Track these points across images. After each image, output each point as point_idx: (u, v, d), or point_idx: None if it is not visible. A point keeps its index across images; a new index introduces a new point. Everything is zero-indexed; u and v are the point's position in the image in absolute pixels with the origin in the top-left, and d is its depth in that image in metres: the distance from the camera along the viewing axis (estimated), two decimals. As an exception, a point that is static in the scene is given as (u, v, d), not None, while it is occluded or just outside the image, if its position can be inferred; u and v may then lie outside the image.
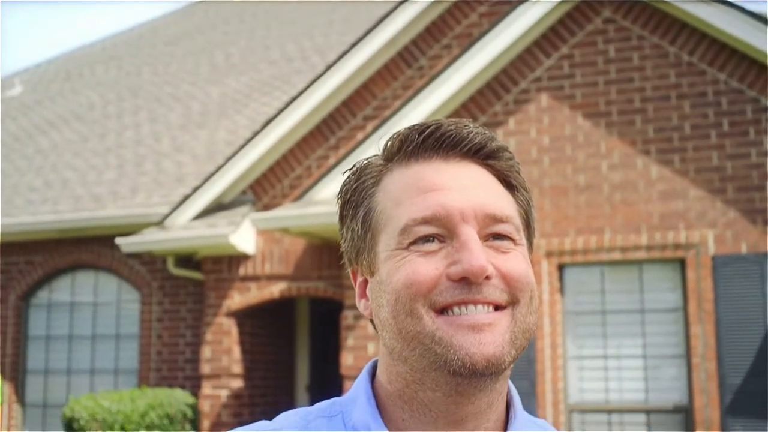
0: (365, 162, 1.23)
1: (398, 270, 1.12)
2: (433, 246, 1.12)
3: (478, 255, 1.09)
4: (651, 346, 8.27)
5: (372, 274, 1.18)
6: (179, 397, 9.76)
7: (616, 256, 8.29)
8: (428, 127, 1.17)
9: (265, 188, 10.25)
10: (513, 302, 1.12)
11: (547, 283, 8.42)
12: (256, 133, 10.07)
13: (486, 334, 1.10)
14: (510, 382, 1.22)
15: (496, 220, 1.13)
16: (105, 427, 9.09)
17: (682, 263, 8.17)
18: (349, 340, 8.87)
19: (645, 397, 8.24)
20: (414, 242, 1.13)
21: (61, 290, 11.67)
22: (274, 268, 9.94)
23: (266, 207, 10.08)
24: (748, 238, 7.93)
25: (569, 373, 8.45)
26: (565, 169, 8.56)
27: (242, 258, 10.06)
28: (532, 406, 8.14)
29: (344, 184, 1.25)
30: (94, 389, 10.99)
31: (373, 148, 8.78)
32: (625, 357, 8.34)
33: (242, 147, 10.10)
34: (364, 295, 1.22)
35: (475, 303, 1.09)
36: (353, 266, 1.24)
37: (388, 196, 1.17)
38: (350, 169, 1.25)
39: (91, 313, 11.44)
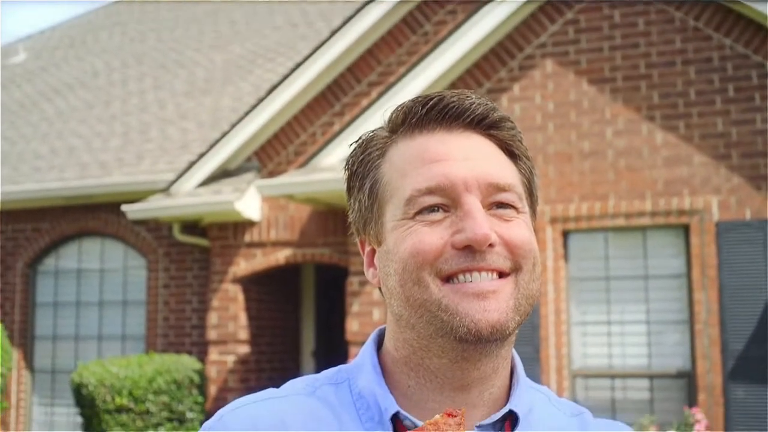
0: (370, 134, 1.25)
1: (404, 240, 1.15)
2: (438, 215, 1.15)
3: (481, 223, 1.11)
4: (654, 312, 8.31)
5: (379, 243, 1.21)
6: (186, 363, 9.84)
7: (620, 222, 8.31)
8: (431, 99, 1.19)
9: (270, 155, 10.26)
10: (516, 269, 1.15)
11: (552, 250, 8.44)
12: (260, 100, 10.06)
13: (490, 302, 1.12)
14: (513, 349, 1.25)
15: (499, 188, 1.16)
16: (113, 392, 9.19)
17: (686, 229, 8.18)
18: (355, 306, 8.92)
19: (648, 363, 8.30)
20: (419, 212, 1.15)
21: (68, 257, 11.73)
22: (279, 234, 9.98)
23: (271, 174, 10.09)
24: (752, 204, 7.93)
25: (573, 338, 8.50)
26: (570, 135, 8.56)
27: (248, 224, 10.10)
28: (536, 371, 8.20)
29: (350, 156, 1.27)
30: (101, 355, 11.08)
31: (378, 114, 8.76)
32: (629, 323, 8.39)
33: (247, 114, 10.10)
34: (372, 264, 1.24)
35: (479, 270, 1.12)
36: (361, 236, 1.27)
37: (394, 167, 1.20)
38: (356, 141, 1.27)
39: (97, 279, 11.51)
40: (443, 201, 1.15)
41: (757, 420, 7.65)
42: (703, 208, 8.03)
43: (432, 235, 1.13)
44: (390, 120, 1.23)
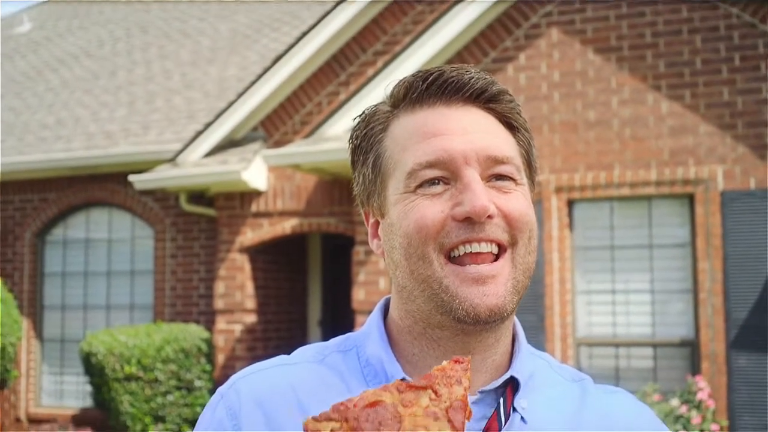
0: (373, 109, 1.28)
1: (407, 214, 1.19)
2: (438, 188, 1.18)
3: (479, 195, 1.15)
4: (658, 281, 8.35)
5: (383, 215, 1.25)
6: (194, 332, 9.92)
7: (626, 191, 8.32)
8: (432, 74, 1.22)
9: (276, 125, 10.27)
10: (513, 243, 1.19)
11: (557, 219, 8.47)
12: (266, 69, 10.06)
13: (489, 287, 1.17)
14: (515, 316, 1.29)
15: (497, 161, 1.19)
16: (122, 361, 9.27)
17: (690, 199, 8.20)
18: (361, 276, 8.97)
19: (652, 332, 8.35)
20: (420, 185, 1.19)
21: (76, 227, 11.79)
22: (285, 204, 10.01)
23: (277, 143, 10.11)
24: (757, 173, 7.94)
25: (577, 307, 8.55)
26: (576, 105, 8.55)
27: (254, 194, 10.14)
28: (540, 340, 8.26)
29: (354, 130, 1.30)
30: (110, 324, 11.17)
31: (384, 83, 8.78)
32: (633, 292, 8.43)
33: (253, 83, 10.10)
34: (376, 235, 1.29)
35: (479, 241, 1.16)
36: (365, 208, 1.31)
37: (395, 141, 1.23)
38: (359, 116, 1.30)
39: (105, 249, 11.58)
40: (443, 174, 1.18)
41: (759, 388, 7.72)
42: (708, 178, 8.04)
43: (433, 209, 1.17)
44: (392, 95, 1.26)
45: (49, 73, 14.80)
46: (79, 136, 11.91)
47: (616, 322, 8.46)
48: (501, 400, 1.22)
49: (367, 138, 1.28)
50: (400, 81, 1.26)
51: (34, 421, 11.38)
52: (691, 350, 8.12)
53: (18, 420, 11.55)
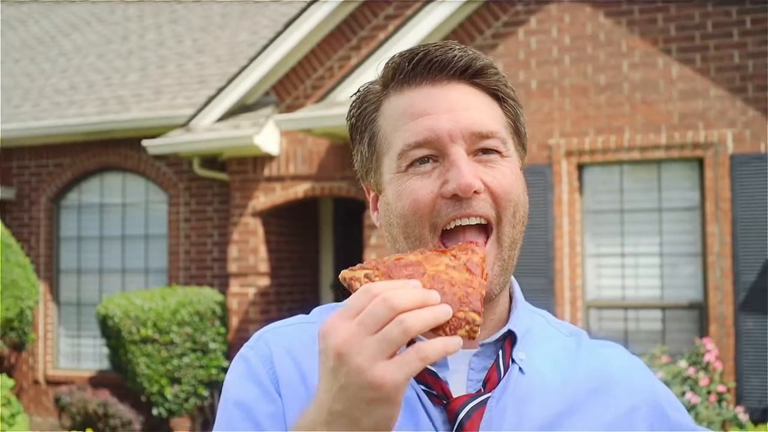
0: (366, 89, 1.36)
1: (401, 195, 1.27)
2: (428, 167, 1.26)
3: (465, 173, 1.22)
4: (667, 245, 8.41)
5: (380, 192, 1.34)
6: (208, 295, 10.06)
7: (635, 155, 8.37)
8: (417, 55, 1.29)
9: (287, 89, 10.32)
10: (498, 219, 1.27)
11: (566, 183, 8.53)
12: (278, 34, 10.09)
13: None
14: (512, 276, 1.38)
15: (482, 136, 1.26)
16: (138, 323, 9.42)
17: (700, 162, 8.24)
18: (372, 239, 9.07)
19: (661, 294, 8.43)
20: (411, 165, 1.27)
21: (91, 192, 11.91)
22: (297, 168, 10.09)
23: (289, 108, 10.17)
24: (767, 137, 7.96)
25: (587, 270, 8.63)
26: (586, 69, 8.57)
27: (266, 159, 10.21)
28: (550, 303, 8.35)
29: (350, 110, 1.38)
30: (125, 288, 11.32)
31: (395, 47, 8.81)
32: (642, 255, 8.50)
33: (264, 48, 10.14)
34: (376, 208, 1.38)
35: (468, 216, 1.24)
36: (365, 183, 1.39)
37: (387, 121, 1.31)
38: (354, 94, 1.38)
39: (120, 214, 11.70)
40: (431, 153, 1.26)
41: (766, 350, 7.80)
42: (718, 141, 8.07)
43: (424, 190, 1.25)
44: (382, 75, 1.34)
45: (61, 39, 14.86)
46: (93, 101, 12.00)
47: (626, 285, 8.54)
48: (500, 352, 1.31)
49: (362, 118, 1.35)
50: (389, 61, 1.32)
51: (52, 383, 11.58)
52: (700, 313, 8.21)
53: (36, 382, 11.75)
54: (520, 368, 1.32)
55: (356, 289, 1.06)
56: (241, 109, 10.35)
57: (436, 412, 1.27)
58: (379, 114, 1.33)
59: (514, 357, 1.32)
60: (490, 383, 1.29)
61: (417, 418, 1.26)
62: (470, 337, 1.07)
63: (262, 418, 1.27)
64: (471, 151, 1.26)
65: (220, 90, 10.28)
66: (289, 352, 1.32)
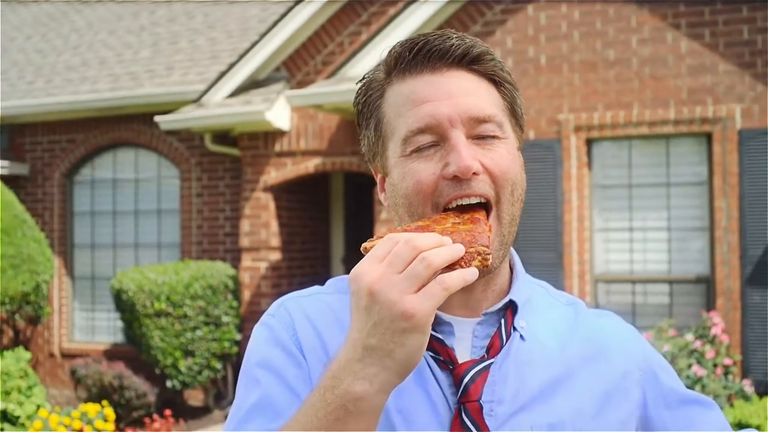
0: (370, 77, 1.44)
1: (405, 177, 1.36)
2: (430, 151, 1.35)
3: (464, 156, 1.31)
4: (675, 219, 8.48)
5: (386, 174, 1.43)
6: (221, 269, 10.17)
7: (644, 130, 8.41)
8: (417, 44, 1.37)
9: (298, 65, 10.38)
10: (497, 199, 1.36)
11: (575, 158, 8.59)
12: (289, 9, 10.13)
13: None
14: (512, 249, 1.47)
15: (480, 121, 1.35)
16: (152, 297, 9.55)
17: (708, 138, 8.28)
18: (383, 214, 9.15)
19: (668, 268, 8.51)
20: (415, 150, 1.36)
21: (103, 167, 12.02)
22: (308, 143, 10.17)
23: (300, 84, 10.24)
24: (775, 112, 8.00)
25: (595, 244, 8.71)
26: (595, 44, 8.61)
27: (277, 134, 10.29)
28: (559, 276, 8.44)
29: (356, 97, 1.47)
30: (138, 262, 11.45)
31: (405, 24, 8.86)
32: (650, 229, 8.57)
33: (275, 24, 10.19)
34: (383, 189, 1.46)
35: (468, 196, 1.33)
36: (372, 165, 1.49)
37: (391, 108, 1.40)
38: (360, 81, 1.46)
39: (132, 189, 11.81)
40: (433, 138, 1.35)
41: (773, 322, 7.88)
42: (726, 116, 8.11)
43: (427, 171, 1.34)
44: (385, 63, 1.42)
45: (73, 14, 14.92)
46: (105, 77, 12.08)
47: (634, 259, 8.62)
48: (502, 321, 1.41)
49: (367, 104, 1.44)
50: (391, 51, 1.41)
51: (67, 356, 11.75)
52: (707, 287, 8.28)
53: (51, 355, 11.93)
54: (521, 335, 1.42)
55: None
56: (252, 84, 10.42)
57: (443, 377, 1.36)
58: (384, 101, 1.41)
59: (515, 325, 1.42)
60: (492, 349, 1.39)
61: (426, 381, 1.35)
62: (483, 266, 1.19)
63: (292, 380, 1.35)
64: (470, 135, 1.35)
65: (232, 66, 10.34)
66: (309, 319, 1.41)
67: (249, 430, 1.32)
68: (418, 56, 1.37)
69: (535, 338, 1.43)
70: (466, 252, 1.18)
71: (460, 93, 1.36)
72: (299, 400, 1.29)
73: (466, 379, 1.35)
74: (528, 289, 1.48)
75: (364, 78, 1.46)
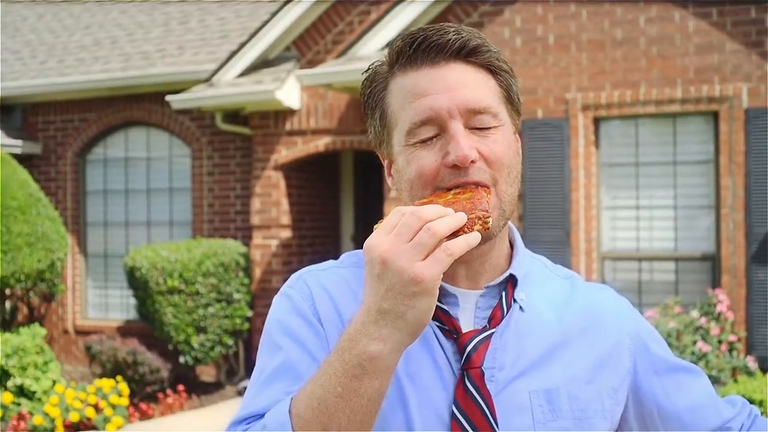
0: (374, 70, 1.55)
1: (409, 164, 1.47)
2: (432, 140, 1.46)
3: (463, 146, 1.42)
4: (682, 197, 8.56)
5: (392, 160, 1.54)
6: (232, 247, 10.30)
7: (651, 109, 8.48)
8: (416, 39, 1.47)
9: (308, 44, 10.46)
10: (495, 181, 1.46)
11: (583, 137, 8.66)
12: (298, -10, 10.19)
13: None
14: (511, 224, 1.58)
15: (477, 112, 1.45)
16: (165, 274, 9.68)
17: (715, 116, 8.34)
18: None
19: (674, 246, 8.60)
20: (418, 141, 1.46)
21: (116, 146, 12.14)
22: (318, 122, 10.26)
23: (310, 63, 10.31)
24: (782, 91, 8.05)
25: (602, 222, 8.80)
26: (603, 23, 8.66)
27: (288, 113, 10.39)
28: (566, 254, 8.54)
29: (361, 88, 1.58)
30: (150, 240, 11.58)
31: (414, 3, 8.92)
32: (657, 207, 8.66)
33: (285, 3, 10.25)
34: (390, 174, 1.57)
35: (466, 183, 1.43)
36: (379, 152, 1.59)
37: (394, 99, 1.51)
38: (365, 72, 1.57)
39: (144, 168, 11.93)
40: (434, 129, 1.45)
41: (777, 299, 7.97)
42: (733, 95, 8.17)
43: (429, 159, 1.45)
44: (387, 57, 1.53)
45: (84, -6, 15.00)
46: (116, 56, 12.18)
47: (640, 236, 8.71)
48: (503, 294, 1.52)
49: (372, 96, 1.55)
50: (392, 45, 1.51)
51: (81, 332, 11.91)
52: (712, 264, 8.37)
53: (65, 332, 12.10)
54: (520, 307, 1.53)
55: None
56: (262, 64, 10.50)
57: (448, 345, 1.48)
58: (387, 93, 1.52)
59: (515, 297, 1.53)
60: (494, 320, 1.50)
61: (432, 349, 1.47)
62: (485, 229, 1.32)
63: (311, 346, 1.47)
64: (467, 125, 1.45)
65: (242, 45, 10.42)
66: (325, 290, 1.53)
67: (273, 390, 1.44)
68: (418, 51, 1.47)
69: (533, 309, 1.54)
70: (468, 218, 1.30)
71: (458, 85, 1.46)
72: (318, 364, 1.40)
73: (469, 348, 1.46)
74: (527, 264, 1.59)
75: (368, 70, 1.57)
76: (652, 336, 1.64)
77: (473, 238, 1.28)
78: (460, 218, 1.28)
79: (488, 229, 1.32)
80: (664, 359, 1.62)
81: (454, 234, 1.27)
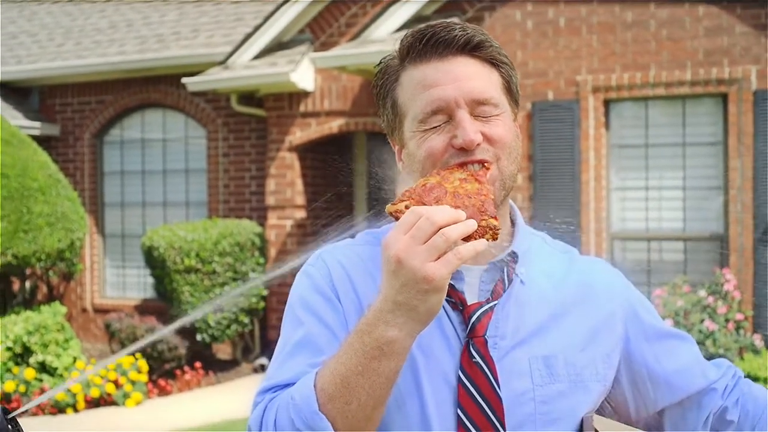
0: (386, 64, 1.70)
1: (420, 146, 1.62)
2: (441, 126, 1.61)
3: (469, 131, 1.57)
4: (691, 179, 8.65)
5: (403, 145, 1.69)
6: (247, 227, 10.46)
7: (661, 91, 8.57)
8: (426, 35, 1.62)
9: (322, 27, 10.56)
10: (497, 159, 1.61)
11: (593, 118, 8.76)
12: (312, -27, 10.28)
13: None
14: (512, 202, 1.75)
15: (480, 102, 1.61)
16: (182, 254, 9.85)
17: (724, 98, 8.42)
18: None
19: (683, 226, 8.71)
20: (428, 128, 1.62)
21: (132, 128, 12.30)
22: (332, 104, 10.39)
23: (324, 45, 10.43)
24: (790, 73, 8.12)
25: (612, 203, 8.91)
26: (613, 6, 8.73)
27: (302, 95, 10.51)
28: (576, 234, 8.62)
29: (374, 80, 1.73)
30: (167, 220, 11.75)
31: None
32: (666, 188, 8.76)
33: (299, -13, 10.36)
34: (400, 159, 1.73)
35: (472, 162, 1.59)
36: (391, 138, 1.74)
37: (405, 91, 1.66)
38: (377, 65, 1.72)
39: (161, 149, 12.09)
40: (443, 117, 1.61)
41: (784, 279, 8.08)
42: (742, 77, 8.25)
43: (438, 141, 1.60)
44: (399, 50, 1.68)
45: (99, -23, 15.12)
46: (132, 39, 12.32)
47: (649, 217, 8.82)
48: (505, 269, 1.67)
49: (384, 87, 1.70)
50: (403, 40, 1.66)
51: (99, 311, 12.12)
52: (720, 244, 8.48)
53: (84, 310, 12.31)
54: (521, 280, 1.68)
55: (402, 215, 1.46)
56: (277, 46, 10.62)
57: (455, 316, 1.63)
58: (398, 84, 1.67)
59: (516, 271, 1.68)
60: (496, 293, 1.65)
61: (440, 320, 1.62)
62: (494, 239, 1.47)
63: (330, 322, 1.63)
64: (472, 113, 1.61)
65: (257, 28, 10.53)
66: (343, 267, 1.68)
67: (296, 362, 1.59)
68: (427, 45, 1.62)
69: (533, 282, 1.69)
70: (478, 226, 1.44)
71: (464, 77, 1.61)
72: (337, 339, 1.57)
73: (473, 318, 1.61)
74: (528, 240, 1.75)
75: (380, 64, 1.72)
76: (644, 305, 1.80)
77: (481, 245, 1.42)
78: (470, 225, 1.41)
79: (496, 239, 1.47)
80: (654, 327, 1.77)
81: (465, 238, 1.42)
